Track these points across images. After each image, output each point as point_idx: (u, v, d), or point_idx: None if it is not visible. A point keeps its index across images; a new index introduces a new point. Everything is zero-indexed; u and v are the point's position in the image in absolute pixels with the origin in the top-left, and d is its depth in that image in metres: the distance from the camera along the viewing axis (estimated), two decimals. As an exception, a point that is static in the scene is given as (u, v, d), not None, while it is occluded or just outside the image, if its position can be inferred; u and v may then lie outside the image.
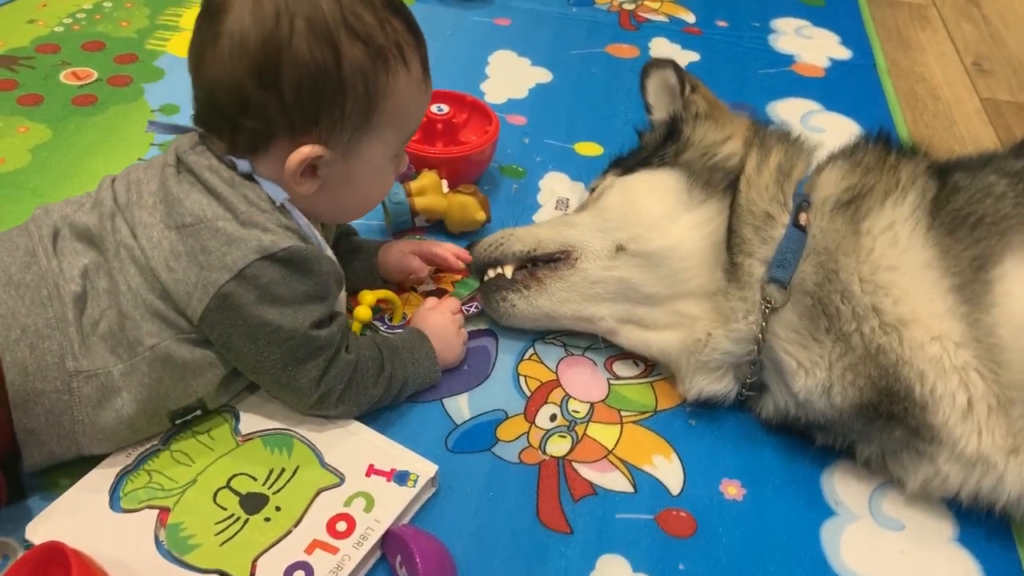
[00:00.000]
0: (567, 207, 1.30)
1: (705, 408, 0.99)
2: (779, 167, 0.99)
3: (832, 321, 0.90)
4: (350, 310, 1.00)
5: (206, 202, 0.80)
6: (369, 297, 1.00)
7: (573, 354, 1.06)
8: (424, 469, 0.87)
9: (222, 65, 0.77)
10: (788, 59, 1.77)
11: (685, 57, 1.74)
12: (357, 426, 0.91)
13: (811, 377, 0.90)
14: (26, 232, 0.83)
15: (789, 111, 1.59)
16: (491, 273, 1.07)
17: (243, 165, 0.81)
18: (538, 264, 1.05)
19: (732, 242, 0.95)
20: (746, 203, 0.96)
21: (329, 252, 0.88)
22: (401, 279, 1.09)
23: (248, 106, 0.78)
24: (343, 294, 0.93)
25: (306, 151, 0.79)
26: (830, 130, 1.54)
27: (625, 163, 1.08)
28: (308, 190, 0.83)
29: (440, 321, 0.99)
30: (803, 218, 0.94)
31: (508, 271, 1.05)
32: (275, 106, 0.77)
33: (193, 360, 0.83)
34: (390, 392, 0.92)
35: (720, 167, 1.00)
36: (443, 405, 0.98)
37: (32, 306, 0.78)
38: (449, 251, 1.08)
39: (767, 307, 0.92)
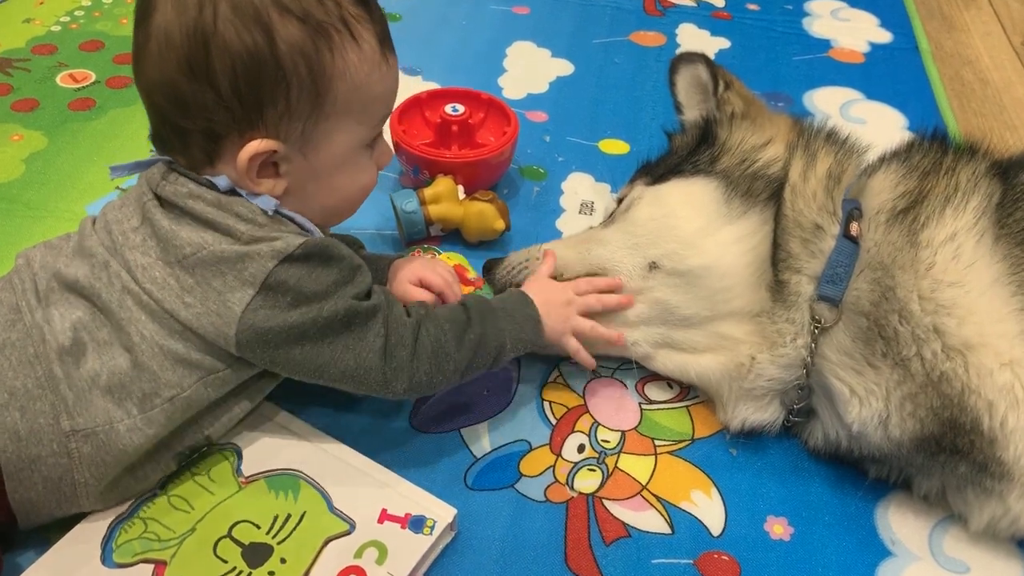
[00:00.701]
0: (592, 211, 1.22)
1: (747, 436, 0.92)
2: (828, 173, 0.90)
3: (889, 344, 0.81)
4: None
5: (201, 231, 0.75)
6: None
7: (601, 376, 0.99)
8: (442, 513, 0.79)
9: (154, 66, 0.72)
10: (824, 44, 1.68)
11: (715, 44, 1.66)
12: (368, 464, 0.84)
13: (866, 407, 0.83)
14: (9, 286, 0.77)
15: (827, 101, 1.51)
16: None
17: (221, 182, 0.75)
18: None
19: (777, 257, 0.87)
20: (792, 214, 0.88)
21: None
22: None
23: (186, 105, 0.72)
24: None
25: (254, 146, 0.73)
26: (872, 121, 1.46)
27: (655, 170, 1.00)
28: (272, 190, 0.77)
29: (551, 291, 0.90)
30: (854, 228, 0.86)
31: None
32: (212, 101, 0.71)
33: (220, 400, 0.79)
34: (482, 356, 0.82)
35: (761, 175, 0.91)
36: (461, 436, 0.91)
37: (19, 366, 0.73)
38: (445, 281, 0.95)
39: (816, 327, 0.84)
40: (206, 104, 0.72)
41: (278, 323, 0.73)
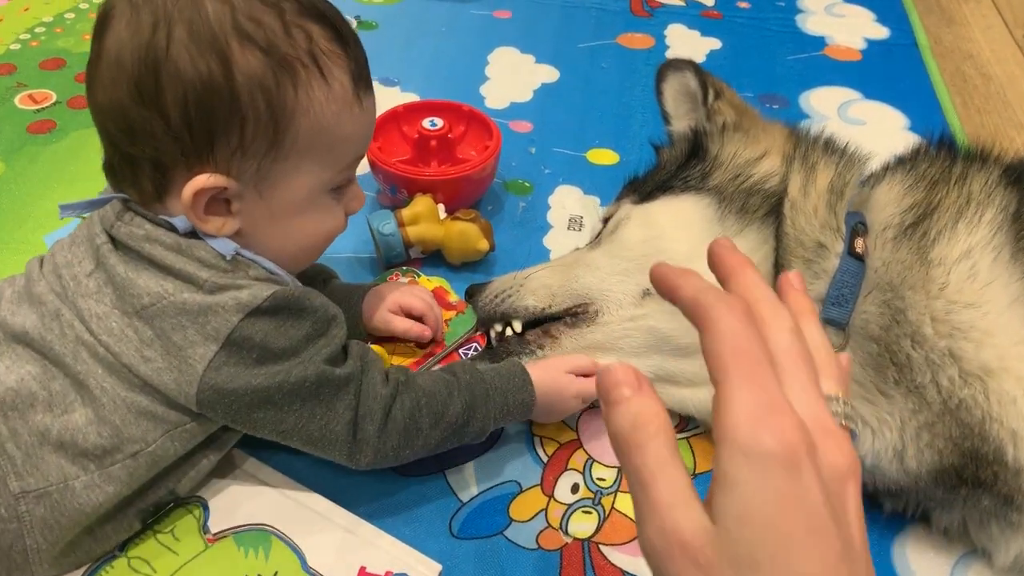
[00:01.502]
0: (580, 227, 1.16)
1: (752, 470, 0.85)
2: (830, 187, 0.84)
3: (902, 371, 0.75)
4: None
5: (161, 278, 0.69)
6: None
7: (595, 405, 0.92)
8: (425, 570, 0.74)
9: (104, 89, 0.67)
10: (819, 42, 1.62)
11: (705, 45, 1.60)
12: (344, 516, 0.78)
13: (879, 438, 0.77)
14: None
15: (824, 101, 1.45)
16: (497, 329, 0.93)
17: (180, 223, 0.70)
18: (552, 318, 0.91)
19: None
20: (793, 231, 0.82)
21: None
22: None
23: (134, 131, 0.66)
24: None
25: (200, 180, 0.67)
26: (871, 122, 1.40)
27: (643, 187, 0.93)
28: (221, 229, 0.70)
29: (560, 382, 0.84)
30: (859, 245, 0.80)
31: (517, 325, 0.92)
32: (161, 129, 0.66)
33: (186, 455, 0.73)
34: (458, 436, 0.79)
35: (757, 190, 0.85)
36: (446, 479, 0.85)
37: None
38: (426, 304, 0.94)
39: None
40: (154, 132, 0.66)
41: (242, 384, 0.68)
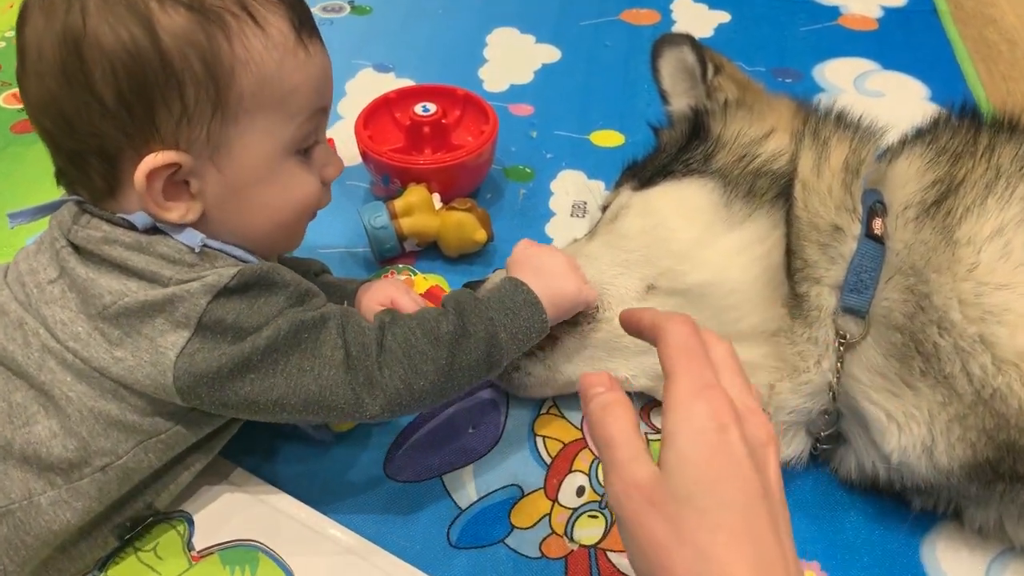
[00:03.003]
0: (584, 213, 1.11)
1: (769, 469, 0.80)
2: (844, 164, 0.78)
3: (929, 361, 0.70)
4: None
5: (124, 278, 0.65)
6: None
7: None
8: (421, 586, 0.69)
9: (32, 84, 0.63)
10: (833, 11, 1.55)
11: (713, 18, 1.53)
12: (335, 528, 0.74)
13: (906, 434, 0.71)
14: None
15: (840, 74, 1.38)
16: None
17: (139, 219, 0.65)
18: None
19: (793, 267, 0.75)
20: (806, 215, 0.76)
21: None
22: None
23: (71, 123, 0.62)
24: None
25: (150, 160, 0.62)
26: (890, 93, 1.34)
27: (642, 172, 0.88)
28: (185, 215, 0.66)
29: (546, 259, 0.78)
30: (877, 225, 0.75)
31: None
32: (97, 113, 0.62)
33: (163, 467, 0.69)
34: (469, 351, 0.69)
35: (765, 171, 0.79)
36: (443, 484, 0.80)
37: None
38: (418, 305, 0.87)
39: (841, 343, 0.73)
40: (91, 118, 0.62)
41: (216, 363, 0.63)
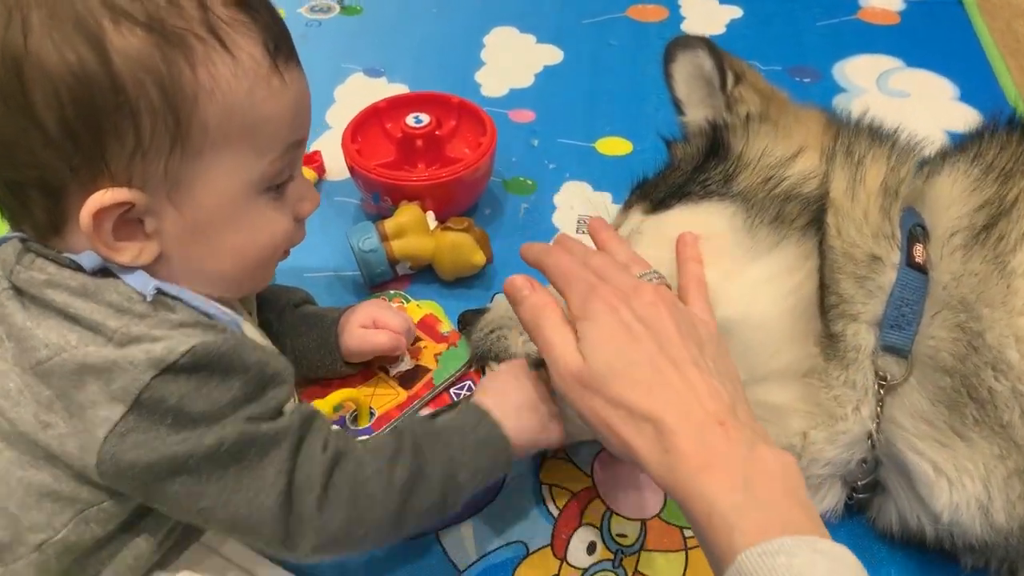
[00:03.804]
0: (590, 229, 1.03)
1: (800, 522, 0.73)
2: (883, 186, 0.71)
3: (984, 408, 0.63)
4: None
5: (65, 328, 0.57)
6: (321, 407, 0.74)
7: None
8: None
9: None
10: (852, 4, 1.48)
11: (724, 14, 1.46)
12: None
13: (958, 490, 0.65)
14: None
15: (860, 72, 1.31)
16: (494, 366, 0.80)
17: (87, 259, 0.58)
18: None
19: (827, 303, 0.67)
20: (840, 244, 0.69)
21: (251, 330, 0.65)
22: (368, 360, 0.85)
23: (10, 151, 0.55)
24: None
25: (98, 199, 0.55)
26: (916, 93, 1.27)
27: (654, 192, 0.79)
28: (139, 257, 0.58)
29: (507, 382, 0.71)
30: (918, 252, 0.68)
31: None
32: (39, 141, 0.54)
33: (112, 537, 0.61)
34: (422, 497, 0.62)
35: (795, 195, 0.71)
36: (439, 541, 0.74)
37: None
38: (399, 328, 0.83)
39: (881, 385, 0.66)
40: (32, 147, 0.54)
41: (147, 455, 0.56)
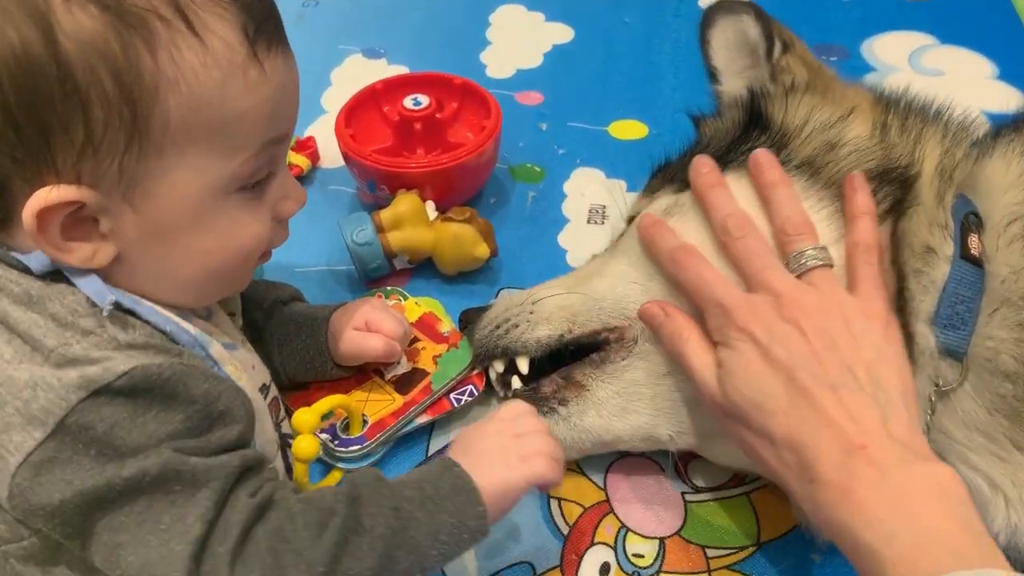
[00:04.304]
0: (604, 219, 0.99)
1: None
2: (938, 169, 0.65)
3: (1051, 419, 0.57)
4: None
5: (2, 340, 0.52)
6: (308, 417, 0.67)
7: (629, 453, 0.75)
8: None
9: None
10: (881, -22, 1.43)
11: (745, -11, 1.39)
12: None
13: (1016, 510, 0.59)
14: None
15: (892, 49, 1.27)
16: (499, 368, 0.74)
17: (35, 260, 0.52)
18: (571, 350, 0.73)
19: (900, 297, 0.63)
20: (899, 231, 0.64)
21: (215, 349, 0.58)
22: (361, 363, 0.79)
23: None
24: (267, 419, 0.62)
25: (42, 196, 0.50)
26: (951, 71, 1.23)
27: (681, 173, 0.73)
28: (92, 258, 0.53)
29: (481, 430, 0.63)
30: (973, 243, 0.62)
31: (523, 365, 0.73)
32: None
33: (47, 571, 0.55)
34: (360, 555, 0.53)
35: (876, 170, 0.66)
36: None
37: None
38: (394, 333, 0.75)
39: (933, 390, 0.61)
40: None
41: (60, 493, 0.49)
